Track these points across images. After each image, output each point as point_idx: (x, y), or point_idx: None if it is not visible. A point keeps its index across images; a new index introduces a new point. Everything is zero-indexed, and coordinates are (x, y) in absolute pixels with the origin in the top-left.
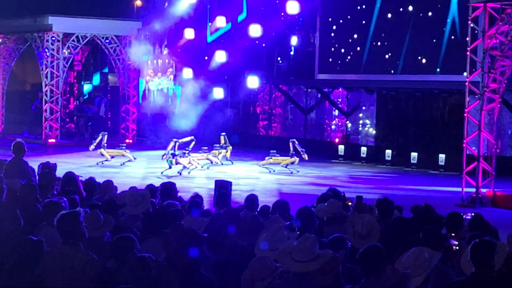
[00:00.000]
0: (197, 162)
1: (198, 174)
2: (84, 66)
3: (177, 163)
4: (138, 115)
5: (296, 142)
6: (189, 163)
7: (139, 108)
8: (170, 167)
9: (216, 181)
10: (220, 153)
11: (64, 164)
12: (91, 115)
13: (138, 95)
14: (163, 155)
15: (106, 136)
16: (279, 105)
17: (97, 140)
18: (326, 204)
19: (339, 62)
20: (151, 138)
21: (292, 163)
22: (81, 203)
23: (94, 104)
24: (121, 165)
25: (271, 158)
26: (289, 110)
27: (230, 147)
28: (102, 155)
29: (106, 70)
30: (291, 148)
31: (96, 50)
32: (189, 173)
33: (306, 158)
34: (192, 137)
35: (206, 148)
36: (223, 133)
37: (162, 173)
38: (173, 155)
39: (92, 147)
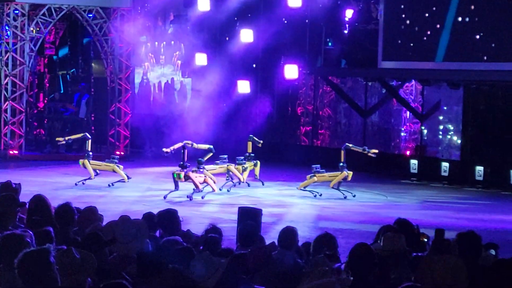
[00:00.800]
0: (214, 181)
1: (215, 197)
2: (58, 50)
3: (187, 179)
4: (133, 118)
5: (350, 145)
6: (203, 181)
7: (134, 108)
8: (176, 186)
9: (240, 208)
10: (245, 168)
11: (31, 184)
12: (68, 117)
13: (133, 90)
14: (165, 152)
15: (89, 142)
16: (328, 104)
17: (73, 136)
18: (384, 238)
19: (412, 45)
20: (151, 149)
21: (345, 179)
22: (51, 239)
23: (73, 103)
24: (109, 186)
25: (314, 176)
26: (341, 111)
27: (258, 163)
28: (84, 167)
29: (89, 56)
30: (342, 157)
31: (75, 28)
32: (202, 197)
33: (375, 153)
34: (211, 146)
35: (225, 157)
36: (251, 136)
37: (165, 197)
38: (183, 166)
39: (61, 139)
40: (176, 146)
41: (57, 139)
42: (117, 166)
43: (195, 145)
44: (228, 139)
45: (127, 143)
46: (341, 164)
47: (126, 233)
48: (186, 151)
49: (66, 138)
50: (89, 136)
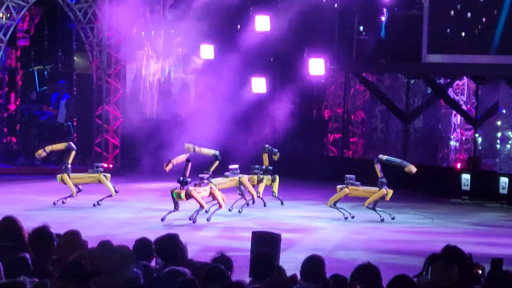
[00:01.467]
0: (222, 198)
1: (224, 219)
2: (34, 40)
3: (189, 197)
4: (124, 123)
5: (384, 158)
6: (210, 195)
7: (125, 111)
8: (175, 206)
9: (254, 232)
10: (261, 179)
11: (0, 203)
12: (45, 122)
13: (125, 90)
14: (166, 164)
15: (73, 153)
16: (362, 106)
17: (55, 147)
18: (432, 270)
19: (463, 34)
20: (146, 162)
21: (382, 198)
22: (27, 268)
23: (50, 105)
24: (95, 205)
25: (345, 188)
26: (378, 115)
27: (277, 178)
28: (64, 183)
29: (70, 48)
30: (378, 172)
31: (54, 14)
32: (208, 219)
33: (410, 171)
34: (216, 152)
35: (236, 167)
36: (267, 146)
37: (163, 219)
38: (183, 182)
39: (40, 152)
40: (179, 159)
41: (36, 153)
42: (103, 175)
43: (197, 149)
44: (239, 149)
45: (117, 154)
46: (381, 179)
47: (107, 262)
48: (190, 164)
49: (47, 149)
50: (74, 147)
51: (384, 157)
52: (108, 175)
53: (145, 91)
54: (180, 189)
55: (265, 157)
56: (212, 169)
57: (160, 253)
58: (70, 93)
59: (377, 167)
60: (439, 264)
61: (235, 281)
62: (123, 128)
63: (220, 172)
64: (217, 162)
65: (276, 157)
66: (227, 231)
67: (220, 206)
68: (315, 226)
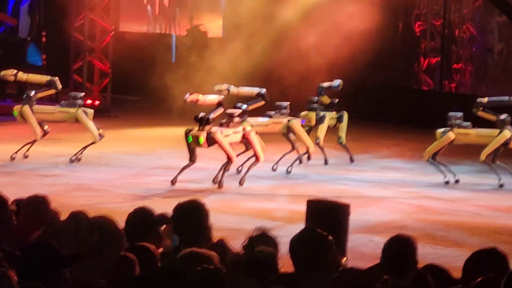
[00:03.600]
0: (262, 146)
1: (263, 181)
2: None
3: (211, 143)
4: (117, 38)
5: (485, 100)
6: (243, 141)
7: (119, 21)
8: (191, 158)
9: (309, 202)
10: (321, 118)
11: None
12: (3, 36)
13: None
14: (190, 94)
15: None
16: (471, 17)
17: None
18: None
19: None
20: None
21: (506, 144)
22: None
23: (7, 12)
24: (72, 160)
25: (450, 132)
26: (495, 29)
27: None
28: (24, 119)
29: None
30: (490, 116)
31: None
32: (241, 183)
33: None
34: (263, 90)
35: (285, 105)
36: (333, 85)
37: (173, 181)
38: (203, 120)
39: (9, 73)
40: (209, 99)
41: (1, 73)
42: (83, 111)
43: (233, 89)
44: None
45: (106, 85)
46: (501, 118)
47: (80, 241)
48: (221, 109)
49: (19, 76)
50: (59, 86)
51: (485, 99)
52: (91, 111)
53: None
54: (200, 129)
55: (324, 97)
56: (252, 106)
57: (178, 229)
58: None
59: (483, 113)
60: None
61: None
62: (116, 47)
63: (263, 112)
64: (262, 103)
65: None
66: (269, 199)
67: (257, 159)
68: (401, 193)
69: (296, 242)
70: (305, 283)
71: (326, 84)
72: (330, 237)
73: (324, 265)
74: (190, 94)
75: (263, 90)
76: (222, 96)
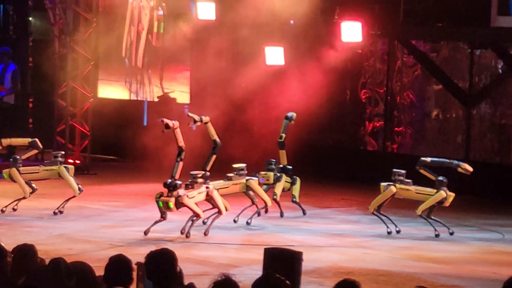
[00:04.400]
0: (223, 203)
1: (228, 234)
2: None
3: (180, 207)
4: (96, 104)
5: (428, 160)
6: (208, 198)
7: (98, 89)
8: (162, 215)
9: (267, 250)
10: (278, 177)
11: None
12: None
13: (97, 60)
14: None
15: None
16: (411, 85)
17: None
18: None
19: None
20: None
21: (440, 203)
22: None
23: None
24: (56, 213)
25: (392, 186)
26: (432, 97)
27: (298, 180)
28: (12, 181)
29: (24, 5)
30: (430, 175)
31: None
32: (206, 233)
33: (471, 170)
34: (216, 139)
35: (243, 167)
36: (282, 137)
37: (146, 232)
38: (172, 186)
39: None
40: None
41: None
42: (65, 167)
43: (205, 119)
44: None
45: (86, 146)
46: (439, 179)
47: (59, 285)
48: (180, 162)
49: (4, 142)
50: (40, 146)
51: (428, 159)
52: (71, 167)
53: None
54: (168, 195)
55: (282, 154)
56: (209, 166)
57: (151, 275)
58: (20, 64)
59: (424, 171)
60: None
61: None
62: (96, 111)
63: (221, 172)
64: (214, 156)
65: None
66: (232, 248)
67: (220, 213)
68: (347, 242)
69: (258, 286)
70: None
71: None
72: (288, 282)
73: None
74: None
75: (218, 140)
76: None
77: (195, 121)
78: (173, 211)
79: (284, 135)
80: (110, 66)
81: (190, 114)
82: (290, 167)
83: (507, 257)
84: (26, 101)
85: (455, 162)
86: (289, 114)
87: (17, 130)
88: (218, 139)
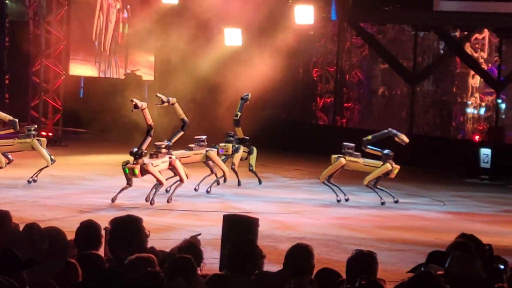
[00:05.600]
0: (185, 172)
1: (189, 201)
2: None
3: (144, 173)
4: (68, 81)
5: (369, 137)
6: (169, 167)
7: (69, 67)
8: (128, 183)
9: (225, 216)
10: (236, 149)
11: None
12: None
13: (68, 40)
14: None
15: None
16: (359, 64)
17: None
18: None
19: None
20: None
21: (386, 174)
22: None
23: None
24: (29, 182)
25: (342, 158)
26: (379, 75)
27: (254, 150)
28: None
29: None
30: (376, 152)
31: None
32: (169, 201)
33: (406, 141)
34: (184, 118)
35: (203, 138)
36: (238, 115)
37: (113, 199)
38: (137, 154)
39: None
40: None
41: None
42: (37, 140)
43: (172, 100)
44: (205, 119)
45: (58, 119)
46: (385, 152)
47: (34, 248)
48: (149, 137)
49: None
50: (17, 127)
51: (369, 136)
52: (44, 139)
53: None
54: (134, 163)
55: (238, 130)
56: (174, 139)
57: (115, 239)
58: None
59: (370, 150)
60: (459, 254)
61: (205, 275)
62: (67, 88)
63: (183, 144)
64: (181, 133)
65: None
66: (193, 214)
67: (181, 181)
68: (300, 209)
69: (231, 250)
70: (234, 283)
71: (238, 110)
72: (259, 247)
73: (248, 268)
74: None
75: (186, 119)
76: (152, 123)
77: (162, 102)
78: (138, 177)
79: (239, 114)
80: (81, 47)
81: (158, 95)
82: (248, 137)
83: (448, 224)
84: (2, 78)
85: (393, 131)
86: (244, 95)
87: None
88: (186, 118)
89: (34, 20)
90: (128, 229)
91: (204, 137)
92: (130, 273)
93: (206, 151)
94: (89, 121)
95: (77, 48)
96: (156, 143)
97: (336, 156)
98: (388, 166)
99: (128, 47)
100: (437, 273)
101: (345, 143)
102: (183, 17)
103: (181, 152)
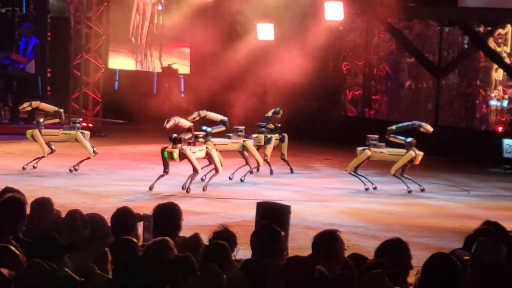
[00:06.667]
0: (220, 161)
1: (223, 189)
2: None
3: (183, 158)
4: (107, 75)
5: (393, 127)
6: (206, 156)
7: (109, 61)
8: (165, 169)
9: (259, 204)
10: (268, 139)
11: None
12: (15, 72)
13: (108, 35)
14: (168, 120)
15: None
16: (387, 58)
17: (43, 107)
18: (477, 247)
19: None
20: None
21: (411, 161)
22: None
23: (19, 52)
24: (71, 170)
25: (367, 150)
26: (405, 68)
27: (286, 137)
28: (34, 140)
29: None
30: (399, 141)
31: None
32: (204, 189)
33: (431, 130)
34: (225, 118)
35: (241, 129)
36: (275, 110)
37: (151, 187)
38: (176, 140)
39: (26, 106)
40: (183, 122)
41: (21, 107)
42: (81, 133)
43: (202, 113)
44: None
45: (98, 111)
46: (408, 140)
47: (75, 234)
48: (190, 134)
49: (34, 104)
50: (63, 116)
51: (393, 126)
52: (87, 132)
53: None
54: (173, 147)
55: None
56: (215, 131)
57: (156, 224)
58: (40, 38)
59: (394, 138)
60: (485, 240)
61: (240, 260)
62: (106, 81)
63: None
64: (223, 128)
65: (279, 116)
66: (228, 202)
67: (216, 171)
68: (330, 197)
69: (256, 235)
70: (264, 268)
71: (270, 113)
72: (282, 232)
73: (278, 253)
74: (167, 122)
75: (225, 118)
76: (192, 124)
77: (193, 118)
78: (176, 161)
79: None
80: (119, 42)
81: (190, 117)
82: (279, 125)
83: (472, 211)
84: (45, 71)
85: (417, 123)
86: (276, 109)
87: (37, 97)
88: (224, 118)
89: (75, 16)
90: (170, 215)
91: (242, 127)
92: (160, 257)
93: (244, 141)
94: (127, 113)
95: (115, 43)
96: (195, 133)
97: (361, 148)
98: (411, 153)
99: (163, 38)
100: (464, 258)
101: (369, 135)
102: (217, 10)
103: (220, 140)
